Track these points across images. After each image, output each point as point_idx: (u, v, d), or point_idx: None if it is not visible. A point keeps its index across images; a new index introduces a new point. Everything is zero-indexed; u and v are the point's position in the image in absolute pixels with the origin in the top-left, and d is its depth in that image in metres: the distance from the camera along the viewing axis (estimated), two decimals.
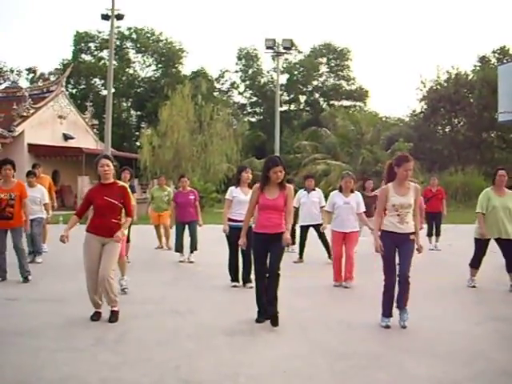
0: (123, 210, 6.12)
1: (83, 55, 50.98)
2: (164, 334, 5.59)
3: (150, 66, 53.09)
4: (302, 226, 10.66)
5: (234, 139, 33.07)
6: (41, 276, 8.46)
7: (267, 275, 5.98)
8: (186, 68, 57.72)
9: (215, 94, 49.46)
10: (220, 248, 9.49)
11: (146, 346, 5.18)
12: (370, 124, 36.46)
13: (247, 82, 52.94)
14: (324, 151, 35.87)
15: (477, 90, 37.93)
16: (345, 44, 53.43)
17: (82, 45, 50.66)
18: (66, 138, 31.70)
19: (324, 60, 52.86)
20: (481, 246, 8.00)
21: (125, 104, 52.14)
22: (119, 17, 25.01)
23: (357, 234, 8.49)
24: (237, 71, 53.25)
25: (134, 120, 53.04)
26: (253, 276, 6.56)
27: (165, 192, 12.29)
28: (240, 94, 54.00)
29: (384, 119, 45.24)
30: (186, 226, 10.76)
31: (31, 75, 50.36)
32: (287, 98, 52.05)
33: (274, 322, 5.86)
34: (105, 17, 24.84)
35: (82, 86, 50.15)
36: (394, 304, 5.89)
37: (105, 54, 49.00)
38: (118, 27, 44.11)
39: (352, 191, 8.52)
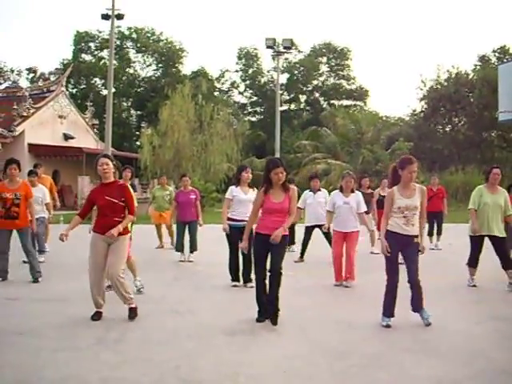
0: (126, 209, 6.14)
1: (83, 55, 51.02)
2: (164, 333, 5.60)
3: (150, 65, 53.16)
4: (307, 227, 10.61)
5: (234, 139, 33.08)
6: (43, 276, 8.45)
7: (269, 274, 5.98)
8: (187, 68, 57.90)
9: (215, 93, 49.49)
10: (220, 247, 9.49)
11: (147, 345, 5.18)
12: (370, 123, 36.50)
13: (247, 82, 52.97)
14: (324, 151, 35.88)
15: (477, 90, 37.90)
16: (345, 43, 53.72)
17: (83, 44, 50.70)
18: (67, 137, 31.73)
19: (324, 59, 52.87)
20: (476, 243, 8.04)
21: (125, 104, 52.18)
22: (119, 16, 25.03)
23: (357, 234, 8.49)
24: (237, 71, 53.36)
25: (134, 120, 53.08)
26: (253, 275, 6.56)
27: (166, 192, 12.32)
28: (240, 93, 54.09)
29: (384, 119, 45.26)
30: (187, 226, 10.79)
31: (31, 75, 50.44)
32: (287, 98, 52.07)
33: (274, 321, 5.88)
34: (105, 16, 24.86)
35: (83, 86, 50.19)
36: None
37: (105, 53, 49.04)
38: (119, 27, 44.20)
39: (353, 191, 8.52)
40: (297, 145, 37.82)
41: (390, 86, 77.34)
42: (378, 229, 14.68)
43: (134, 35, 51.75)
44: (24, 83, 44.39)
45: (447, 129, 42.33)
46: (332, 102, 51.70)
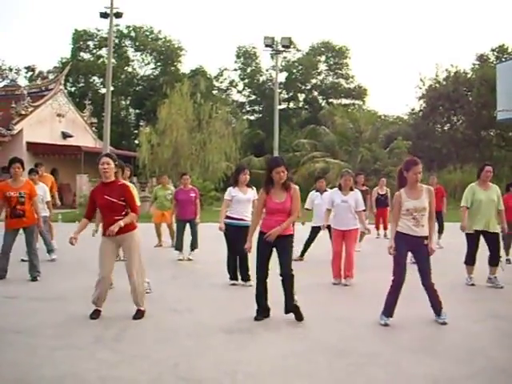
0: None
1: (82, 53, 50.92)
2: (162, 332, 5.59)
3: (148, 64, 53.08)
4: (313, 227, 10.57)
5: (232, 137, 33.09)
6: (41, 274, 8.44)
7: (281, 278, 6.00)
8: (185, 66, 57.82)
9: (214, 92, 49.45)
10: (218, 246, 9.49)
11: (145, 344, 5.18)
12: (368, 122, 36.48)
13: (246, 81, 52.90)
14: (323, 149, 35.87)
15: (475, 89, 37.94)
16: (343, 42, 53.82)
17: (81, 43, 50.58)
18: (65, 136, 31.71)
19: (323, 58, 52.79)
20: (472, 240, 8.11)
21: (123, 102, 52.11)
22: (118, 15, 25.02)
23: (356, 232, 8.47)
24: (235, 69, 53.25)
25: (132, 118, 53.02)
26: (252, 274, 6.55)
27: (168, 191, 12.36)
28: (239, 92, 54.02)
29: (383, 117, 45.30)
30: (187, 224, 10.81)
31: (30, 73, 50.40)
32: (286, 96, 52.02)
33: (299, 317, 5.94)
34: (104, 15, 24.86)
35: (81, 85, 50.09)
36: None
37: (103, 52, 48.96)
38: (117, 25, 44.11)
39: (351, 189, 8.52)
40: (295, 143, 37.80)
41: (389, 85, 77.61)
42: (377, 227, 14.78)
43: (133, 34, 51.67)
44: (22, 82, 44.43)
45: (446, 128, 42.38)
46: (330, 100, 51.62)
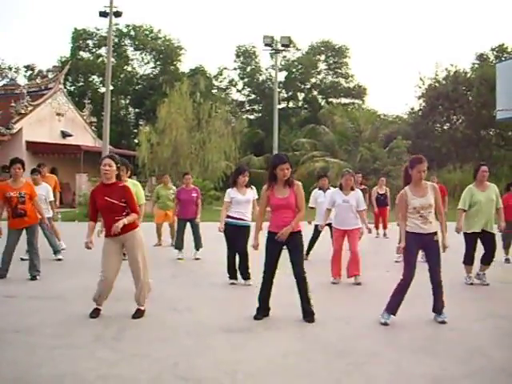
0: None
1: (81, 52, 50.86)
2: (162, 331, 5.59)
3: (148, 63, 53.06)
4: (317, 226, 10.56)
5: (232, 137, 33.11)
6: (40, 273, 8.44)
7: (295, 280, 6.02)
8: (185, 65, 57.78)
9: (213, 91, 49.43)
10: (218, 245, 9.50)
11: (145, 342, 5.18)
12: (368, 121, 36.45)
13: (245, 80, 52.89)
14: (322, 149, 35.86)
15: (475, 88, 37.94)
16: (343, 41, 53.70)
17: (80, 42, 50.54)
18: (64, 135, 31.69)
19: (322, 57, 52.78)
20: (470, 241, 8.12)
21: (123, 101, 52.08)
22: (117, 14, 24.97)
23: (358, 231, 8.47)
24: (235, 69, 53.24)
25: (132, 117, 53.00)
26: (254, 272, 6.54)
27: (170, 190, 12.43)
28: (238, 91, 54.01)
29: (382, 117, 45.22)
30: (188, 224, 10.85)
31: (29, 72, 50.23)
32: (285, 96, 52.01)
33: (312, 319, 5.93)
34: (103, 14, 24.81)
35: (80, 84, 50.05)
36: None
37: (103, 51, 48.94)
38: (117, 24, 43.81)
39: (352, 189, 8.51)
40: (295, 143, 37.79)
41: (389, 84, 77.52)
42: (376, 227, 14.77)
43: (132, 33, 51.63)
44: (22, 81, 44.26)
45: (445, 127, 42.38)
46: (330, 99, 51.62)
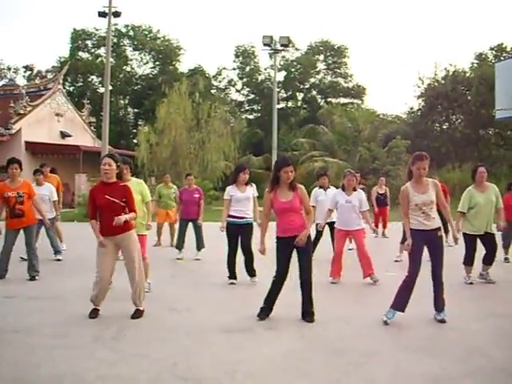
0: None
1: (80, 53, 50.83)
2: (162, 331, 5.59)
3: (147, 63, 53.01)
4: (317, 224, 10.53)
5: (231, 137, 33.07)
6: (40, 274, 8.44)
7: (300, 282, 6.05)
8: (184, 65, 57.50)
9: (212, 91, 49.42)
10: (218, 245, 9.50)
11: (144, 343, 5.18)
12: (367, 121, 36.41)
13: (244, 80, 52.87)
14: (321, 148, 35.82)
15: (474, 88, 37.93)
16: (342, 41, 53.55)
17: (79, 42, 50.51)
18: (64, 135, 31.63)
19: (321, 57, 52.77)
20: (470, 242, 8.14)
21: (122, 101, 52.04)
22: (116, 14, 24.93)
23: (362, 231, 8.44)
24: (234, 68, 53.22)
25: (131, 117, 52.96)
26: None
27: (171, 190, 12.51)
28: (237, 91, 53.98)
29: (381, 116, 45.17)
30: (190, 224, 10.88)
31: (28, 73, 50.27)
32: (284, 96, 52.00)
33: (311, 319, 5.95)
34: (102, 14, 24.77)
35: (80, 84, 50.03)
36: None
37: (102, 51, 48.84)
38: (115, 24, 43.86)
39: (355, 189, 8.50)
40: (294, 143, 37.75)
41: (388, 84, 77.45)
42: (376, 226, 14.75)
43: (131, 33, 51.60)
44: (21, 81, 44.21)
45: (444, 127, 42.37)
46: (329, 99, 51.60)
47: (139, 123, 46.93)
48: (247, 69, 52.48)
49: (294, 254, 6.09)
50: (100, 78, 47.41)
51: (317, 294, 6.23)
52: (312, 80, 52.87)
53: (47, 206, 9.99)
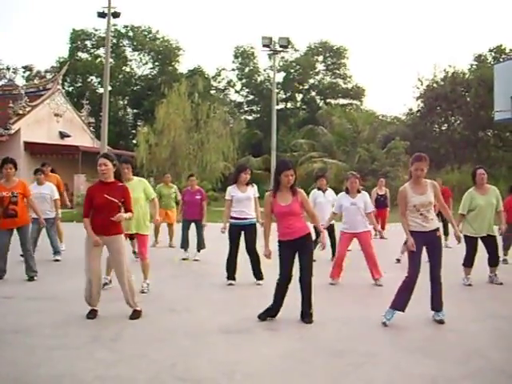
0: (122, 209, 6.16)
1: (80, 53, 50.80)
2: (160, 331, 5.59)
3: (146, 64, 52.97)
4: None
5: (230, 137, 33.05)
6: (38, 274, 8.43)
7: (300, 283, 6.05)
8: (183, 66, 57.54)
9: (212, 92, 49.38)
10: (218, 246, 9.50)
11: (143, 343, 5.18)
12: (366, 122, 36.45)
13: (244, 81, 52.85)
14: (320, 149, 35.84)
15: (473, 89, 37.95)
16: (341, 42, 53.69)
17: (79, 43, 50.48)
18: (63, 136, 31.62)
19: (320, 58, 52.76)
20: (471, 244, 8.15)
21: (121, 102, 52.01)
22: (116, 15, 24.92)
23: (369, 233, 8.42)
24: (233, 69, 53.19)
25: (130, 118, 52.90)
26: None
27: (171, 189, 12.59)
28: (236, 92, 53.96)
29: (380, 117, 45.19)
30: (192, 224, 10.93)
31: (27, 73, 50.21)
32: (284, 97, 51.99)
33: (310, 320, 5.96)
34: (101, 15, 24.77)
35: (79, 84, 49.97)
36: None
37: (101, 51, 48.79)
38: (115, 25, 43.98)
39: (359, 191, 8.50)
40: (293, 143, 37.76)
41: (387, 85, 77.44)
42: (375, 228, 14.71)
43: (131, 33, 51.58)
44: (20, 81, 44.04)
45: (443, 128, 42.37)
46: (328, 100, 51.62)
47: (138, 124, 46.88)
48: (246, 70, 52.47)
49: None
50: (99, 79, 47.37)
51: (316, 294, 6.24)
52: (311, 81, 52.87)
53: (48, 205, 10.00)
